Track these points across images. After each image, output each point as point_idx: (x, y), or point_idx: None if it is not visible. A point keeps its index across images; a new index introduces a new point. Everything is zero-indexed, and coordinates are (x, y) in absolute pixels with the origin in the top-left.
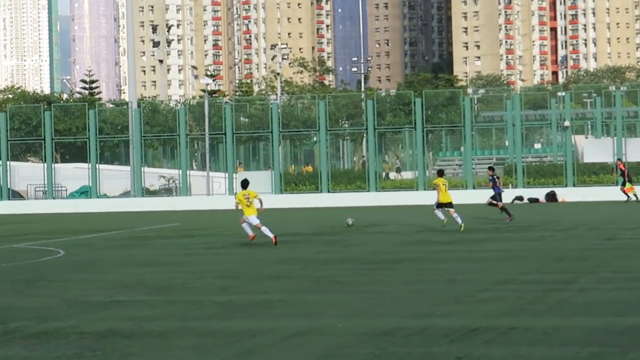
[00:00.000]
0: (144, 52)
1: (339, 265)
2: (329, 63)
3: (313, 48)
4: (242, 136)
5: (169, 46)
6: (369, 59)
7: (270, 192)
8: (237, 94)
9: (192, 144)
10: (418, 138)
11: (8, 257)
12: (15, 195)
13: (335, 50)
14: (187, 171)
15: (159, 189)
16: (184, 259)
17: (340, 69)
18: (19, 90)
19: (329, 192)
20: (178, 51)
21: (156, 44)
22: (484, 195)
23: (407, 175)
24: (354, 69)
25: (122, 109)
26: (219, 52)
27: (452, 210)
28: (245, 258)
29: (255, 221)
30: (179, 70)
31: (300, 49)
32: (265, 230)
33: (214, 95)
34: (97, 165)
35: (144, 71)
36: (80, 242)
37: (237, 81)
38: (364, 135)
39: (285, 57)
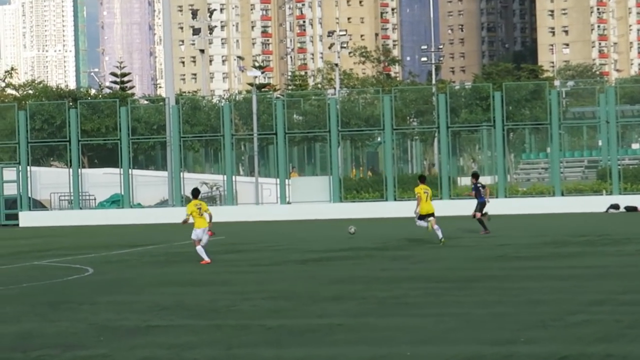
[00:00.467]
0: (182, 41)
1: (408, 284)
2: (395, 52)
3: (376, 35)
4: (296, 136)
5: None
6: (441, 47)
7: (328, 200)
8: (290, 88)
9: (238, 145)
10: (497, 138)
11: (30, 276)
12: (37, 205)
13: (402, 38)
14: (233, 177)
15: (200, 198)
16: (229, 277)
17: (408, 58)
18: (41, 85)
19: (395, 200)
20: (222, 39)
21: (196, 32)
22: (574, 204)
23: (485, 180)
24: (424, 59)
25: (158, 105)
26: (268, 40)
27: (433, 220)
28: (300, 276)
29: (202, 236)
30: (223, 61)
31: (361, 36)
32: (200, 250)
33: (262, 89)
34: (129, 170)
35: (183, 62)
36: (111, 259)
37: (290, 73)
38: (435, 134)
39: (345, 45)
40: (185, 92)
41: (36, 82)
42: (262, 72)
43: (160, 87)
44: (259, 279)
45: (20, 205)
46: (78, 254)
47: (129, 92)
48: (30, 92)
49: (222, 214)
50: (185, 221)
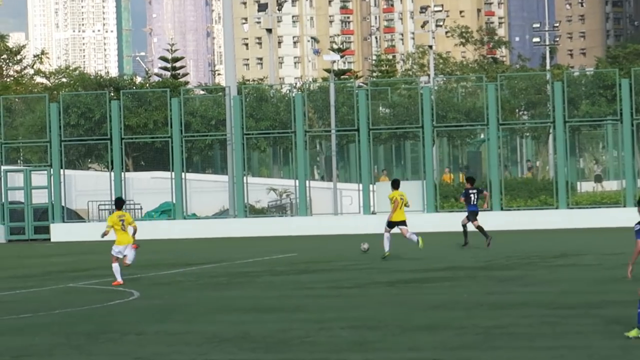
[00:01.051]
0: (245, 19)
1: (517, 310)
2: (501, 32)
3: (479, 11)
4: (382, 133)
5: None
6: (556, 25)
7: (421, 209)
8: (375, 75)
9: (312, 144)
10: (625, 134)
11: (63, 300)
12: (72, 215)
13: (510, 14)
14: (307, 182)
15: (268, 207)
16: (302, 302)
17: (517, 39)
18: (76, 72)
19: (501, 209)
20: (293, 17)
21: (263, 8)
22: None
23: (610, 185)
24: (536, 40)
25: (217, 96)
26: (348, 17)
27: (404, 228)
28: (387, 301)
29: (127, 252)
30: (294, 43)
31: (460, 12)
32: (116, 269)
33: (342, 77)
34: (182, 174)
35: (246, 45)
36: (161, 280)
37: (374, 57)
38: (550, 130)
39: (440, 23)
40: (249, 81)
41: (71, 68)
42: (342, 56)
43: (219, 74)
44: (338, 305)
45: (52, 216)
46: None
47: (182, 80)
48: (64, 80)
49: (293, 226)
50: (104, 234)
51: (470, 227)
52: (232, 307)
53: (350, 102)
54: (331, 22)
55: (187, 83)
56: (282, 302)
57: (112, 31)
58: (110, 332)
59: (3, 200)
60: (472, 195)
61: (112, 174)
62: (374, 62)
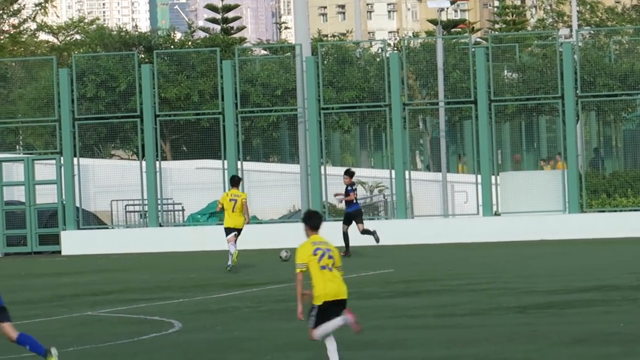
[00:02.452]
0: None
1: None
2: None
3: None
4: (508, 105)
5: None
6: None
7: (562, 209)
8: (497, 27)
9: (414, 120)
10: None
11: (79, 333)
12: (91, 220)
13: None
14: (406, 172)
15: None
16: (401, 334)
17: None
18: (93, 26)
19: None
20: None
21: None
22: None
23: None
24: None
25: (284, 58)
26: None
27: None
28: (516, 332)
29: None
30: None
31: None
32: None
33: (453, 30)
34: (239, 163)
35: None
36: (210, 306)
37: (497, 4)
38: None
39: None
40: (327, 37)
41: (86, 21)
42: (452, 2)
43: (286, 27)
44: (450, 337)
45: (63, 221)
46: (156, 298)
47: (237, 36)
48: (77, 37)
49: (388, 232)
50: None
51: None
52: (307, 342)
53: (464, 64)
54: None
55: (243, 40)
56: (374, 336)
57: None
58: None
59: None
60: (354, 191)
61: (143, 163)
62: (496, 10)
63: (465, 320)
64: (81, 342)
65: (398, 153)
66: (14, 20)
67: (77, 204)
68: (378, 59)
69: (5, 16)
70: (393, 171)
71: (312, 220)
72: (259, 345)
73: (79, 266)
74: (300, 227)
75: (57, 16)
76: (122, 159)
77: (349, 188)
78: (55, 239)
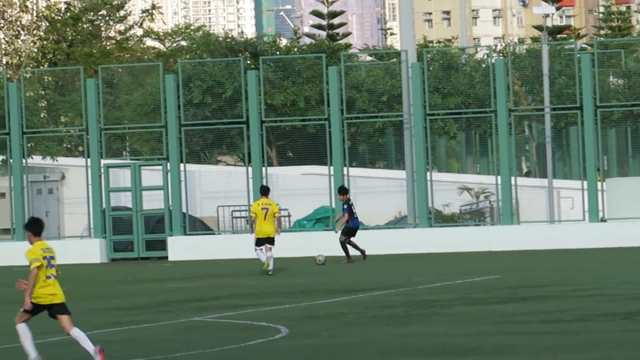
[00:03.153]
0: None
1: None
2: None
3: None
4: (614, 112)
5: None
6: None
7: None
8: (603, 33)
9: (519, 127)
10: None
11: (186, 339)
12: (198, 225)
13: None
14: (512, 178)
15: (460, 212)
16: (507, 341)
17: None
18: (199, 32)
19: None
20: None
21: None
22: None
23: None
24: None
25: (390, 64)
26: None
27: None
28: (624, 339)
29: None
30: None
31: None
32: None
33: (558, 36)
34: (345, 169)
35: None
36: (316, 312)
37: (602, 9)
38: None
39: None
40: (432, 42)
41: (192, 28)
42: (558, 8)
43: (392, 34)
44: (556, 343)
45: (170, 227)
46: (262, 304)
47: (342, 42)
48: (183, 43)
49: (494, 238)
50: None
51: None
52: (414, 348)
53: (569, 70)
54: None
55: (349, 46)
56: (480, 342)
57: None
58: None
59: (104, 206)
60: (352, 208)
61: (250, 169)
62: (601, 15)
63: (571, 327)
64: (188, 348)
65: (504, 159)
66: (121, 27)
67: (184, 210)
68: (483, 65)
69: (111, 22)
70: (499, 177)
71: (35, 227)
72: (365, 351)
73: (186, 272)
74: (407, 232)
75: (164, 23)
76: (228, 164)
77: (345, 206)
78: (162, 245)
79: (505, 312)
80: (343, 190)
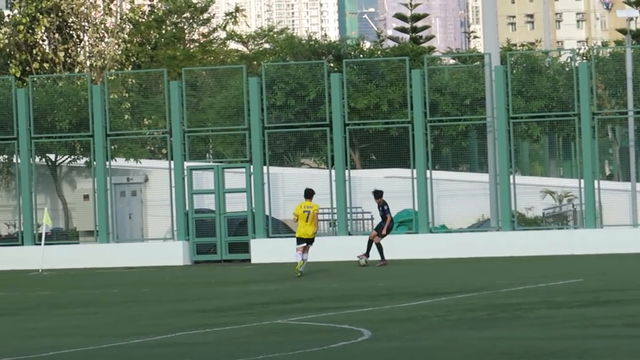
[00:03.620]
0: None
1: None
2: None
3: None
4: None
5: None
6: None
7: None
8: None
9: (603, 130)
10: None
11: (269, 341)
12: (281, 228)
13: None
14: (595, 181)
15: (543, 216)
16: (591, 345)
17: None
18: (283, 35)
19: None
20: None
21: None
22: None
23: None
24: None
25: (473, 67)
26: None
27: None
28: None
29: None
30: None
31: None
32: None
33: None
34: (428, 172)
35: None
36: (399, 315)
37: None
38: None
39: None
40: (515, 46)
41: (275, 30)
42: None
43: (475, 37)
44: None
45: (253, 229)
46: (345, 306)
47: (426, 45)
48: (266, 46)
49: (577, 241)
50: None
51: None
52: (496, 351)
53: None
54: None
55: (432, 49)
56: (563, 345)
57: None
58: None
59: (187, 208)
60: (387, 210)
61: (333, 172)
62: None
63: None
64: (271, 350)
65: (587, 162)
66: (204, 29)
67: (267, 213)
68: (567, 69)
69: (195, 25)
70: (582, 180)
71: None
72: (448, 355)
73: (268, 274)
74: (490, 235)
75: (248, 25)
76: (311, 167)
77: (385, 207)
78: (245, 247)
79: (589, 316)
80: (379, 194)
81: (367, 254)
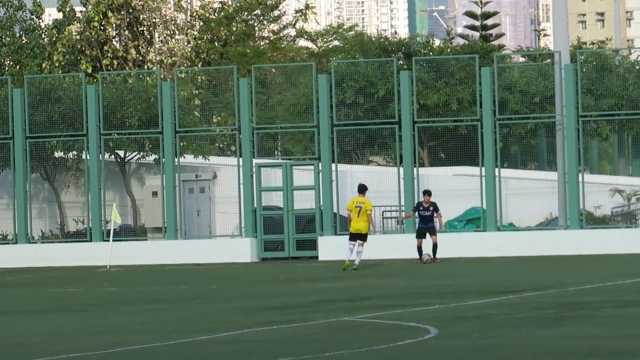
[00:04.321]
0: None
1: None
2: None
3: None
4: None
5: None
6: None
7: None
8: None
9: None
10: None
11: (336, 339)
12: (347, 225)
13: None
14: None
15: (611, 214)
16: None
17: None
18: (352, 32)
19: None
20: None
21: None
22: None
23: None
24: None
25: (543, 65)
26: None
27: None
28: None
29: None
30: None
31: None
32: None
33: None
34: (496, 170)
35: None
36: (466, 312)
37: None
38: None
39: None
40: (586, 44)
41: (345, 28)
42: None
43: (545, 35)
44: None
45: (321, 227)
46: (412, 304)
47: (495, 43)
48: (336, 44)
49: None
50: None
51: None
52: (564, 350)
53: None
54: None
55: (502, 47)
56: (631, 344)
57: None
58: None
59: (255, 205)
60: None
61: (401, 169)
62: None
63: None
64: (337, 348)
65: None
66: (274, 27)
67: (335, 210)
68: (637, 67)
69: (265, 22)
70: None
71: None
72: (515, 353)
73: (336, 272)
74: (558, 234)
75: (317, 23)
76: (379, 165)
77: (433, 207)
78: (313, 245)
79: None
80: (429, 192)
81: (427, 253)
